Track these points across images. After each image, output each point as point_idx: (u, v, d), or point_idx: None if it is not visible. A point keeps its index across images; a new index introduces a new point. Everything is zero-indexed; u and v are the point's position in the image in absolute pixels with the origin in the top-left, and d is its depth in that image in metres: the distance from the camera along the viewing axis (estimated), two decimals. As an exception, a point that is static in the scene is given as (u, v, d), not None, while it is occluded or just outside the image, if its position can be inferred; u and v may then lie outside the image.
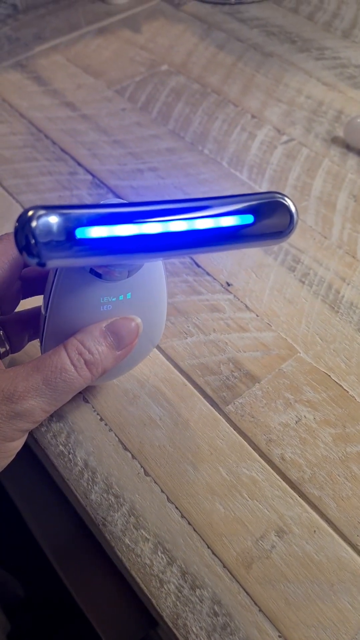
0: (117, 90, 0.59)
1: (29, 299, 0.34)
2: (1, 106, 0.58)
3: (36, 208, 0.21)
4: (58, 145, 0.53)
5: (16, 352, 0.34)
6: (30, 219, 0.21)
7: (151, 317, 0.31)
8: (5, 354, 0.33)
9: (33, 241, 0.21)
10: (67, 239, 0.21)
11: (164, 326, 0.33)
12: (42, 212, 0.21)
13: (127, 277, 0.27)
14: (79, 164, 0.52)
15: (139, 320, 0.29)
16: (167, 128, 0.55)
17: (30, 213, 0.21)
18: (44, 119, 0.56)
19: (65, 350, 0.27)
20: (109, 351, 0.28)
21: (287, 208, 0.24)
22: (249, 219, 0.23)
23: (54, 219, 0.21)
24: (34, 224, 0.21)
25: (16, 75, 0.61)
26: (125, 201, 0.25)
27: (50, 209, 0.21)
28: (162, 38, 0.66)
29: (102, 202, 0.24)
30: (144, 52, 0.64)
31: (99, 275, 0.27)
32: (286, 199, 0.24)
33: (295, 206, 0.24)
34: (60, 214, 0.21)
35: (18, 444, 0.28)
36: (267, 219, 0.24)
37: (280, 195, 0.24)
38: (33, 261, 0.21)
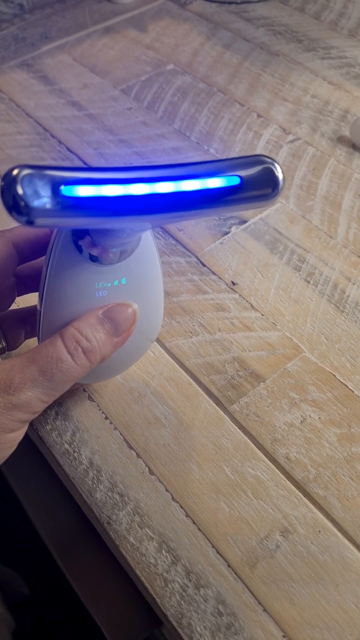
0: (123, 89, 0.59)
1: (25, 296, 0.34)
2: (8, 105, 0.58)
3: (21, 167, 0.21)
4: (64, 144, 0.53)
5: (13, 350, 0.34)
6: (16, 177, 0.21)
7: (148, 304, 0.31)
8: (2, 350, 0.33)
9: (20, 200, 0.21)
10: (54, 196, 0.21)
11: (162, 318, 0.33)
12: (27, 170, 0.21)
13: (120, 260, 0.27)
14: (85, 163, 0.52)
15: (135, 306, 0.29)
16: (172, 127, 0.55)
17: (15, 172, 0.21)
18: (50, 119, 0.56)
19: (62, 339, 0.26)
20: (107, 338, 0.27)
21: (273, 169, 0.24)
22: (235, 180, 0.24)
23: (40, 177, 0.21)
24: (19, 182, 0.21)
25: (22, 75, 0.61)
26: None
27: (36, 168, 0.21)
28: (168, 37, 0.66)
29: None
30: (149, 51, 0.64)
31: (92, 258, 0.27)
32: (272, 160, 0.24)
33: (281, 168, 0.24)
34: (46, 173, 0.21)
35: (18, 435, 0.27)
36: (254, 180, 0.24)
37: (267, 158, 0.24)
38: (22, 219, 0.21)
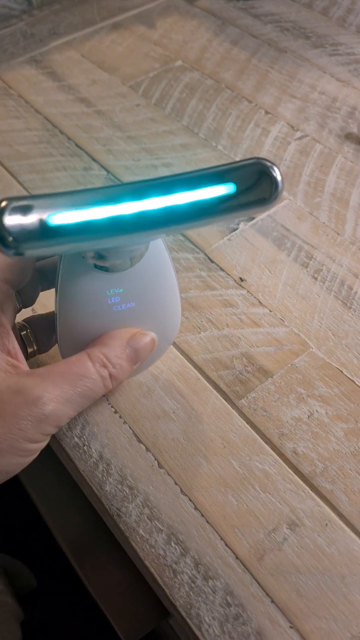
0: (132, 85, 0.60)
1: (50, 290, 0.34)
2: (17, 102, 0.58)
3: (9, 199, 0.21)
4: (73, 140, 0.54)
5: (44, 352, 0.35)
6: (3, 210, 0.20)
7: (163, 306, 0.31)
8: (33, 354, 0.33)
9: (6, 234, 0.20)
10: (41, 228, 0.21)
11: (180, 318, 0.32)
12: (14, 203, 0.21)
13: (130, 266, 0.27)
14: (94, 160, 0.52)
15: (153, 334, 0.30)
16: (181, 124, 0.55)
17: (2, 204, 0.21)
18: (59, 115, 0.56)
19: (91, 361, 0.28)
20: (129, 365, 0.29)
21: (269, 171, 0.23)
22: (230, 187, 0.23)
23: (26, 209, 0.21)
24: (5, 215, 0.20)
25: (31, 71, 0.62)
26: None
27: (22, 199, 0.21)
28: (176, 34, 0.66)
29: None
30: (158, 47, 0.64)
31: (101, 269, 0.27)
32: (269, 163, 0.23)
33: (279, 170, 0.23)
34: (32, 204, 0.21)
35: (42, 445, 0.28)
36: (250, 185, 0.23)
37: (264, 161, 0.23)
38: (10, 252, 0.21)
